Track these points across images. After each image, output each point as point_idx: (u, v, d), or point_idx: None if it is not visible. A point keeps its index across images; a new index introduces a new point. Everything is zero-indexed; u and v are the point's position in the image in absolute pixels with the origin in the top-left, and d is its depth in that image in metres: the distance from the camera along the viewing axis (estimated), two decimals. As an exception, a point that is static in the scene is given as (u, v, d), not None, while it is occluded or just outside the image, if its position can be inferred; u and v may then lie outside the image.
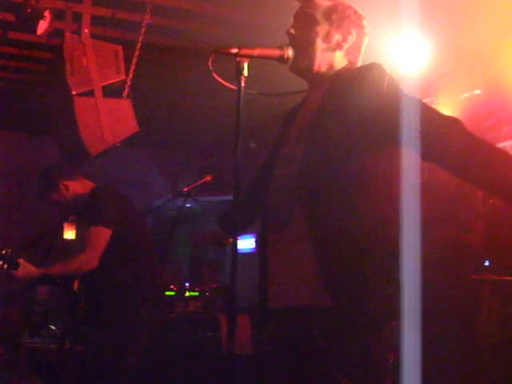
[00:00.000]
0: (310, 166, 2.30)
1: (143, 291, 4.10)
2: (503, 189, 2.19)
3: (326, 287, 2.19)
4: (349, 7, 2.48)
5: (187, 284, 7.17)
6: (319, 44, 2.43)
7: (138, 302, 4.06)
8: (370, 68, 2.40)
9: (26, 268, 3.88)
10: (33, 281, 4.00)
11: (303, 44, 2.42)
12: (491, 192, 2.33)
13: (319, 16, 2.43)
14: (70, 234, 8.48)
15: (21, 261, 3.86)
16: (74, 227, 8.51)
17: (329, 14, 2.44)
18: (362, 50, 2.53)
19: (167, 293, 6.07)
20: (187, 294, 6.97)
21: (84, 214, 4.23)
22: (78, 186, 4.29)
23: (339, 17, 2.44)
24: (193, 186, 4.77)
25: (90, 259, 3.95)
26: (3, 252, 3.85)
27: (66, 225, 8.42)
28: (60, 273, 4.03)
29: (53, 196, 4.30)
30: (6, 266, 3.84)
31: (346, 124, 2.26)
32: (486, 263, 5.36)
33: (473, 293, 5.05)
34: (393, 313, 2.16)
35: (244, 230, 2.71)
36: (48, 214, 4.95)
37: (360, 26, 2.49)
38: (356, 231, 2.21)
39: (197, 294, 7.02)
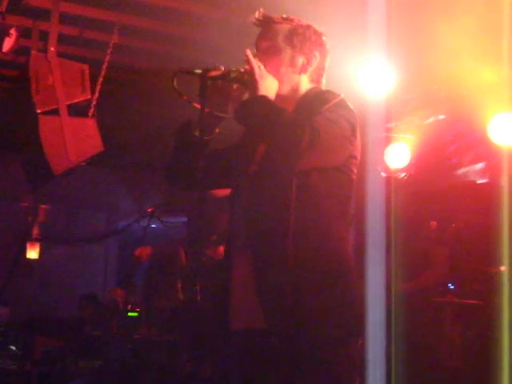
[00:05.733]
0: (257, 188, 2.32)
1: None
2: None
3: (270, 311, 2.20)
4: (308, 27, 2.44)
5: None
6: (283, 70, 2.39)
7: None
8: (322, 95, 2.38)
9: None
10: None
11: (267, 70, 2.37)
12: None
13: (280, 42, 2.40)
14: (33, 253, 8.38)
15: None
16: (38, 247, 8.42)
17: (290, 38, 2.40)
18: (326, 69, 2.49)
19: (130, 314, 6.00)
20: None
21: None
22: None
23: (301, 39, 2.40)
24: (157, 206, 4.77)
25: None
26: None
27: (28, 244, 8.32)
28: None
29: None
30: None
31: None
32: (451, 286, 5.40)
33: (436, 315, 5.08)
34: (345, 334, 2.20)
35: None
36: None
37: (322, 46, 2.45)
38: (290, 254, 2.21)
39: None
